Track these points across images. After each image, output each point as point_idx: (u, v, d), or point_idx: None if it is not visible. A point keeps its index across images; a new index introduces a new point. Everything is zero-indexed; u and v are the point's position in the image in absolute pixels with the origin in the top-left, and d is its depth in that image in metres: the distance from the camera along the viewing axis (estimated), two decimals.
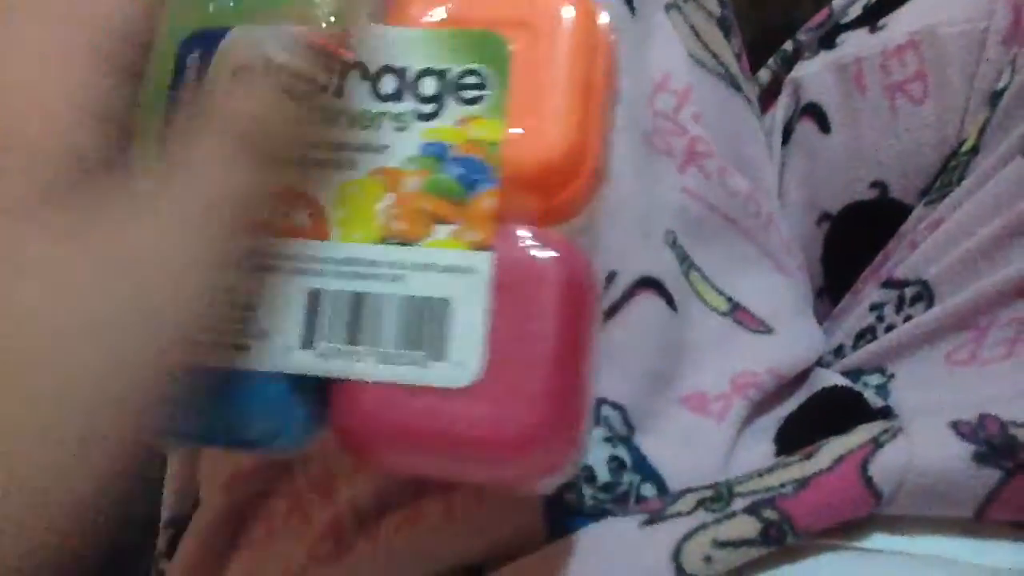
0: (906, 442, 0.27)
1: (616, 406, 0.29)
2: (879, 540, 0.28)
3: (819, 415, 0.31)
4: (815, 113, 0.37)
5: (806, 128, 0.37)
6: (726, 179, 0.32)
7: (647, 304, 0.30)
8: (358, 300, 0.22)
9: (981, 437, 0.27)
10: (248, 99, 0.20)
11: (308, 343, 0.22)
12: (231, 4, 0.24)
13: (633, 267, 0.30)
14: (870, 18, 0.36)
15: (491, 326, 0.22)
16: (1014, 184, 0.31)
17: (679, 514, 0.27)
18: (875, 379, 0.33)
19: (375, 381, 0.22)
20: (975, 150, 0.33)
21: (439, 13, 0.24)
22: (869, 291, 0.35)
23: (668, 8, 0.33)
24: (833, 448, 0.28)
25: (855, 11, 0.37)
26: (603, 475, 0.29)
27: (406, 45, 0.23)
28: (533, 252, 0.22)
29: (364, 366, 0.22)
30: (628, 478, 0.29)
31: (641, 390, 0.29)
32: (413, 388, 0.22)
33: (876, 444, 0.27)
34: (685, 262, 0.31)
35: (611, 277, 0.29)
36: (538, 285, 0.22)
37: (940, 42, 0.34)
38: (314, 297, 0.22)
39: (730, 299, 0.32)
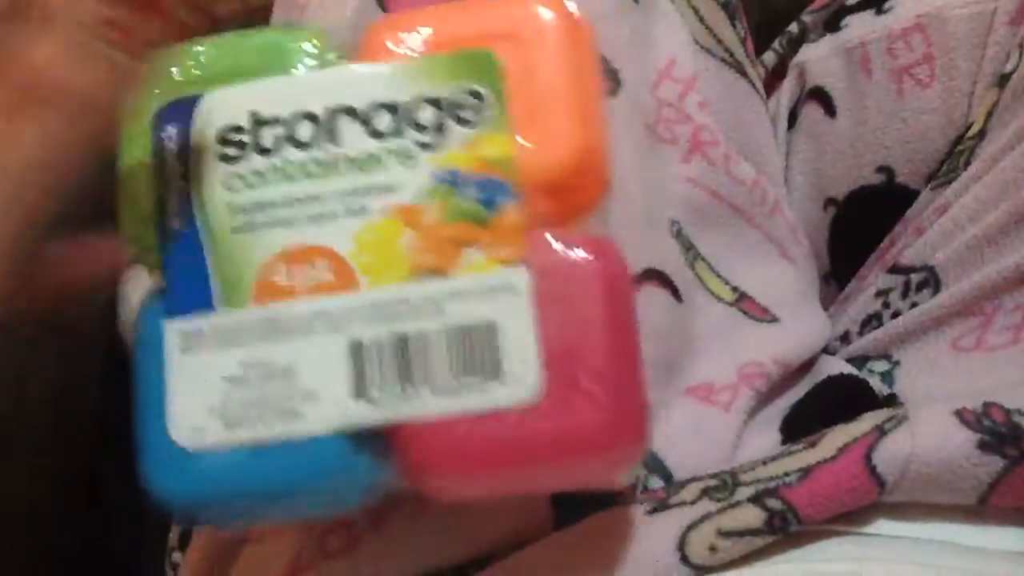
0: (910, 430, 0.27)
1: None
2: (883, 526, 0.28)
3: (825, 404, 0.31)
4: (821, 97, 0.36)
5: (812, 112, 0.37)
6: (731, 167, 0.32)
7: (652, 295, 0.30)
8: (402, 341, 0.22)
9: (985, 425, 0.27)
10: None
11: (360, 394, 0.22)
12: (196, 72, 0.24)
13: (637, 258, 0.30)
14: (876, 0, 0.36)
15: (540, 336, 0.21)
16: (1021, 169, 0.31)
17: (684, 503, 0.28)
18: (881, 366, 0.33)
19: (437, 416, 0.22)
20: (982, 134, 0.33)
21: (414, 42, 0.23)
22: (875, 277, 0.35)
23: None
24: (837, 436, 0.28)
25: None
26: None
27: (391, 79, 0.23)
28: (566, 254, 0.22)
29: (423, 404, 0.22)
30: (635, 471, 0.29)
31: (649, 382, 0.29)
32: (476, 415, 0.21)
33: (880, 432, 0.27)
34: (690, 252, 0.31)
35: None
36: (579, 286, 0.22)
37: (947, 24, 0.33)
38: (356, 348, 0.22)
39: (736, 288, 0.32)
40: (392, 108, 0.23)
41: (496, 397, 0.21)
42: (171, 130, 0.23)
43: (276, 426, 0.22)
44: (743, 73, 0.34)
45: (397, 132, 0.23)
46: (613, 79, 0.31)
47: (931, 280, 0.33)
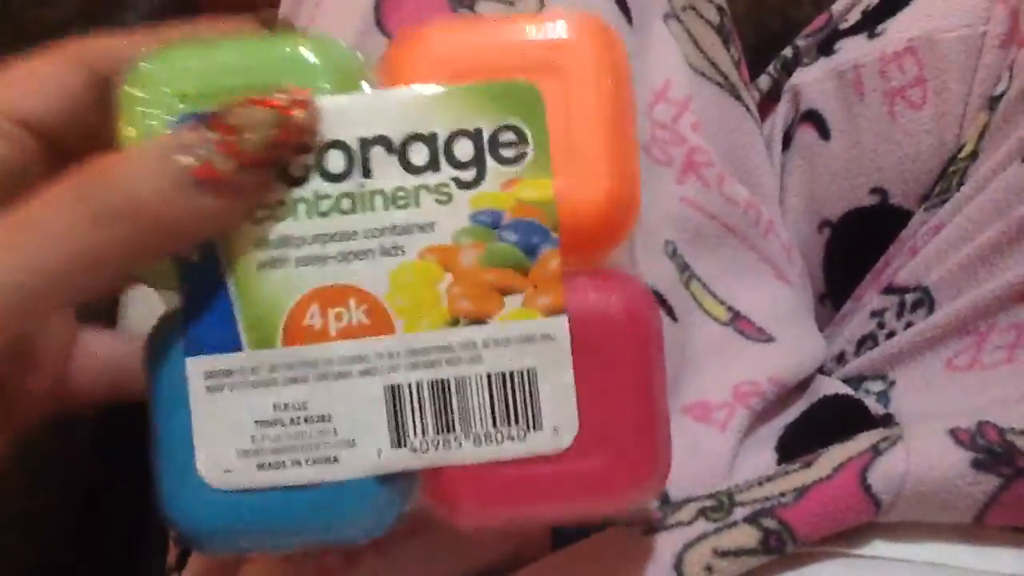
0: (904, 450, 0.27)
1: None
2: (879, 547, 0.28)
3: (821, 423, 0.31)
4: (815, 120, 0.37)
5: (806, 135, 0.37)
6: (725, 188, 0.33)
7: None
8: (441, 388, 0.22)
9: (979, 444, 0.27)
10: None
11: (399, 442, 0.21)
12: (216, 80, 0.22)
13: None
14: (868, 24, 0.36)
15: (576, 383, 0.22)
16: (1013, 189, 0.31)
17: (680, 523, 0.28)
18: (876, 386, 0.33)
19: (475, 463, 0.22)
20: (974, 155, 0.33)
21: (448, 66, 0.22)
22: (870, 297, 0.35)
23: (666, 18, 0.33)
24: (833, 456, 0.28)
25: (853, 17, 0.37)
26: None
27: (426, 108, 0.21)
28: (601, 299, 0.22)
29: (462, 452, 0.21)
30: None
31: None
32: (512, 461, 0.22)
33: (875, 452, 0.28)
34: (685, 272, 0.32)
35: None
36: (613, 332, 0.22)
37: (938, 47, 0.34)
38: (394, 394, 0.21)
39: (730, 308, 0.32)
40: (428, 140, 0.21)
41: (534, 445, 0.21)
42: None
43: (312, 471, 0.21)
44: (737, 96, 0.34)
45: (434, 166, 0.21)
46: None
47: (925, 300, 0.33)
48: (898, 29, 0.35)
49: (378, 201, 0.21)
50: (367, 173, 0.21)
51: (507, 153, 0.22)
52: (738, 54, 0.35)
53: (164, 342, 0.22)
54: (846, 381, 0.34)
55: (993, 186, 0.32)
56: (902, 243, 0.35)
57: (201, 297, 0.22)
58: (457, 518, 0.22)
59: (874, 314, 0.34)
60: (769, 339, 0.33)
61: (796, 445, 0.31)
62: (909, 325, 0.33)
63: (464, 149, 0.21)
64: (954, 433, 0.27)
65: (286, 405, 0.21)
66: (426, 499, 0.23)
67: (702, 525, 0.27)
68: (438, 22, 0.23)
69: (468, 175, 0.21)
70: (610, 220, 0.22)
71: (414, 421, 0.21)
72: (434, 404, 0.21)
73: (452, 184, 0.21)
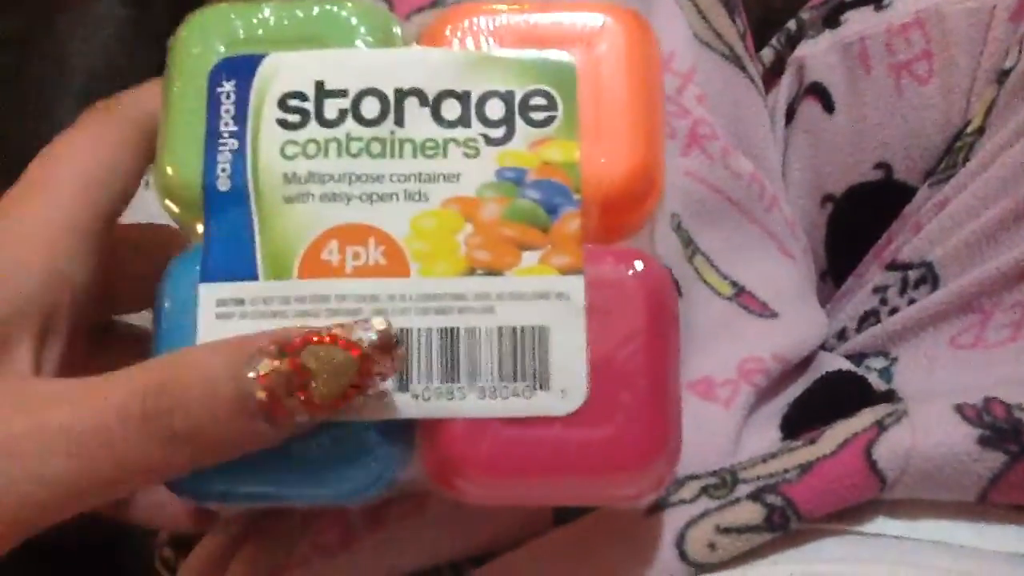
0: (910, 425, 0.27)
1: None
2: (883, 524, 0.28)
3: (824, 400, 0.31)
4: (819, 93, 0.36)
5: (810, 108, 0.36)
6: (729, 161, 0.32)
7: None
8: (451, 336, 0.21)
9: (986, 421, 0.27)
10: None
11: (403, 386, 0.21)
12: (259, 32, 0.23)
13: None
14: None
15: (589, 347, 0.21)
16: (1020, 165, 0.31)
17: (683, 501, 0.27)
18: (878, 362, 0.33)
19: (477, 416, 0.21)
20: (981, 130, 0.32)
21: (487, 34, 0.23)
22: (873, 273, 0.35)
23: None
24: (837, 432, 0.28)
25: None
26: None
27: (463, 68, 0.22)
28: (615, 267, 0.22)
29: (466, 403, 0.21)
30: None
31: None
32: (516, 419, 0.21)
33: (880, 428, 0.27)
34: (690, 246, 0.31)
35: None
36: (629, 303, 0.22)
37: (946, 20, 0.33)
38: (403, 337, 0.21)
39: (735, 283, 0.32)
40: (462, 98, 0.22)
41: (540, 404, 0.21)
42: (229, 86, 0.22)
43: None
44: (742, 68, 0.34)
45: (464, 122, 0.22)
46: None
47: (929, 277, 0.32)
48: (905, 1, 0.34)
49: (407, 149, 0.22)
50: (400, 122, 0.22)
51: (536, 116, 0.22)
52: (743, 26, 0.35)
53: (180, 270, 0.22)
54: (848, 358, 0.34)
55: (1000, 162, 0.31)
56: (906, 219, 0.34)
57: (224, 226, 0.22)
58: (455, 487, 0.22)
59: (876, 290, 0.34)
60: (773, 315, 0.32)
61: (800, 422, 0.30)
62: (912, 302, 0.33)
63: (495, 108, 0.22)
64: (960, 409, 0.27)
65: None
66: (425, 468, 0.22)
67: (705, 502, 0.27)
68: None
69: (497, 133, 0.22)
70: (631, 193, 0.22)
71: (419, 367, 0.21)
72: (442, 352, 0.21)
73: (480, 140, 0.22)
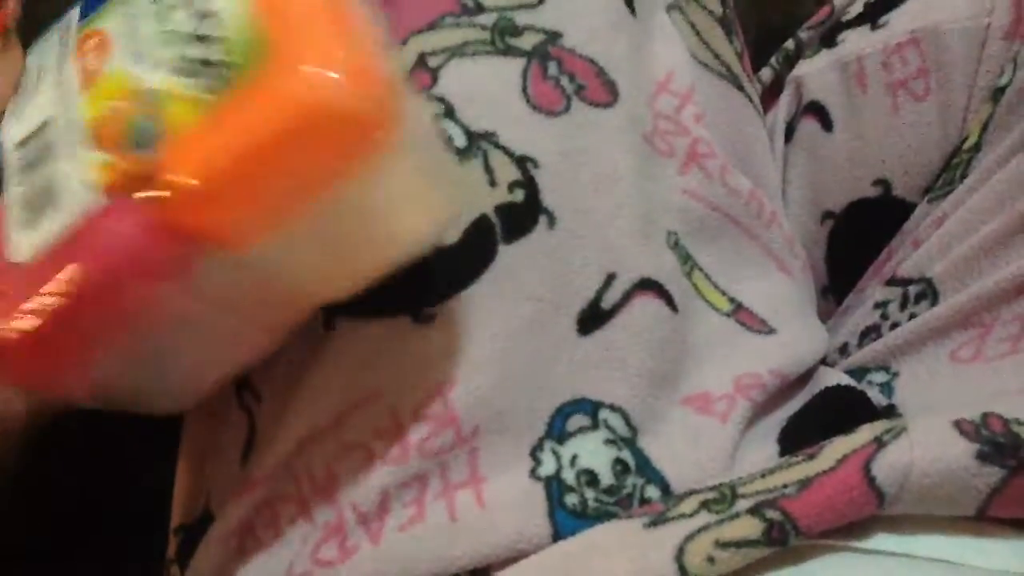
0: (908, 441, 0.27)
1: (616, 408, 0.29)
2: (882, 541, 0.28)
3: (823, 415, 0.31)
4: (817, 111, 0.37)
5: (808, 126, 0.37)
6: (727, 179, 0.32)
7: (647, 306, 0.30)
8: None
9: (984, 436, 0.27)
10: None
11: None
12: None
13: (633, 269, 0.30)
14: (871, 15, 0.36)
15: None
16: (1016, 181, 0.31)
17: (682, 516, 0.27)
18: (880, 377, 0.33)
19: None
20: (977, 147, 0.33)
21: None
22: (873, 289, 0.35)
23: (669, 8, 0.33)
24: (836, 448, 0.28)
25: (856, 8, 0.37)
26: (607, 478, 0.29)
27: None
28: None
29: None
30: (632, 481, 0.29)
31: (643, 392, 0.29)
32: None
33: (879, 444, 0.27)
34: (688, 263, 0.32)
35: (610, 279, 0.29)
36: None
37: (942, 39, 0.34)
38: None
39: (732, 299, 0.32)
40: None
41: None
42: None
43: None
44: (740, 87, 0.34)
45: None
46: (611, 90, 0.31)
47: (929, 292, 0.33)
48: (901, 20, 0.35)
49: None
50: None
51: None
52: (740, 46, 0.35)
53: None
54: (849, 373, 0.34)
55: (996, 178, 0.31)
56: (905, 235, 0.34)
57: None
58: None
59: (877, 305, 0.34)
60: (771, 331, 0.32)
61: (798, 437, 0.30)
62: (912, 317, 0.33)
63: None
64: (958, 424, 0.27)
65: None
66: None
67: (704, 517, 0.27)
68: None
69: None
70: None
71: None
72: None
73: None
